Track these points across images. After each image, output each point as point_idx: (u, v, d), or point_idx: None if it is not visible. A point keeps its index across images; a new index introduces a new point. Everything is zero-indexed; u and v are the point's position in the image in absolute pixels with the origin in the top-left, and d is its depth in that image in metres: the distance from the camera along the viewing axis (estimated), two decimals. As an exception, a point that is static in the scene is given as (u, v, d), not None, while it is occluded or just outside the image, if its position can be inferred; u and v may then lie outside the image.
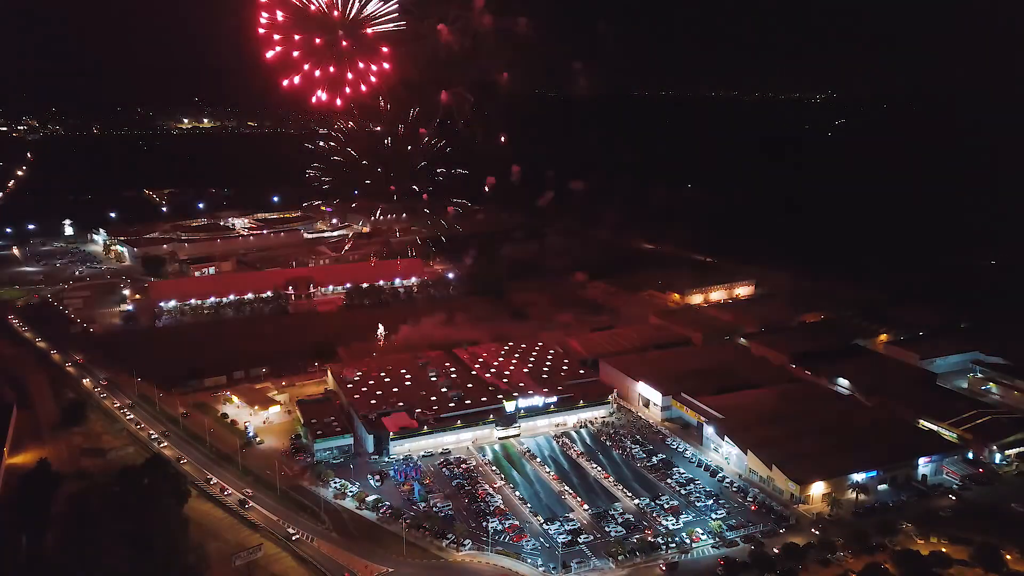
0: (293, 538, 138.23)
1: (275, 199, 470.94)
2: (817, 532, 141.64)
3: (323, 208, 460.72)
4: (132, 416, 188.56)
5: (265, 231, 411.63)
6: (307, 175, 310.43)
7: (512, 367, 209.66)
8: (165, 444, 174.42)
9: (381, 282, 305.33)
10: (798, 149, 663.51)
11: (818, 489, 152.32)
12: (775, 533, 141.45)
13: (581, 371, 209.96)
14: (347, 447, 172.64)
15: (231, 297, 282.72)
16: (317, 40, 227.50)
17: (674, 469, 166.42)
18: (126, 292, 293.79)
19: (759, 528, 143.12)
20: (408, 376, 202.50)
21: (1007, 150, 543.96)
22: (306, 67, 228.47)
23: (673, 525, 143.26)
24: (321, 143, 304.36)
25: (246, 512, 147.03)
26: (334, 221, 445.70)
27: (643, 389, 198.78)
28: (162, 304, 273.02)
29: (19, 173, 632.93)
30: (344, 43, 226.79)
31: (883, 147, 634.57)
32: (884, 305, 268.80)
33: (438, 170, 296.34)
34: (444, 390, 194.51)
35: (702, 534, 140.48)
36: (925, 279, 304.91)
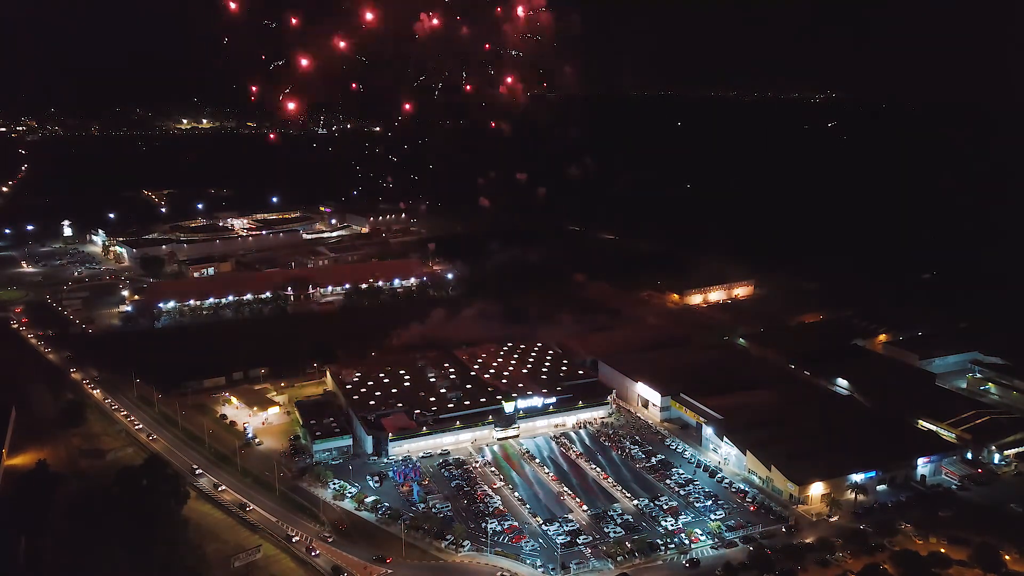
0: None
1: (274, 199, 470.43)
2: (834, 522, 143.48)
3: (322, 208, 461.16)
4: (140, 425, 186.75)
5: (264, 232, 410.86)
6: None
7: (511, 368, 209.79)
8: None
9: (380, 283, 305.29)
10: (797, 150, 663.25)
11: (817, 490, 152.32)
12: (774, 534, 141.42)
13: (580, 372, 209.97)
14: (346, 448, 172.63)
15: (230, 298, 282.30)
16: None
17: (673, 470, 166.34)
18: (125, 293, 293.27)
19: (758, 528, 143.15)
20: (407, 377, 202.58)
21: (1006, 151, 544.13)
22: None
23: (672, 526, 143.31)
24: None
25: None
26: (333, 221, 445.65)
27: (642, 390, 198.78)
28: (161, 305, 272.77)
29: (18, 175, 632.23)
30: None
31: (882, 147, 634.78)
32: (884, 305, 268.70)
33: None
34: (443, 391, 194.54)
35: (701, 535, 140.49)
36: (925, 279, 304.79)
